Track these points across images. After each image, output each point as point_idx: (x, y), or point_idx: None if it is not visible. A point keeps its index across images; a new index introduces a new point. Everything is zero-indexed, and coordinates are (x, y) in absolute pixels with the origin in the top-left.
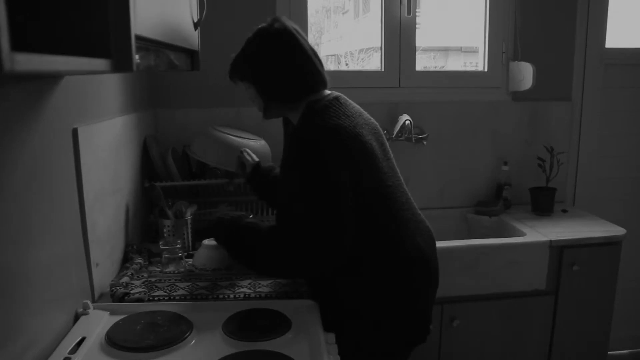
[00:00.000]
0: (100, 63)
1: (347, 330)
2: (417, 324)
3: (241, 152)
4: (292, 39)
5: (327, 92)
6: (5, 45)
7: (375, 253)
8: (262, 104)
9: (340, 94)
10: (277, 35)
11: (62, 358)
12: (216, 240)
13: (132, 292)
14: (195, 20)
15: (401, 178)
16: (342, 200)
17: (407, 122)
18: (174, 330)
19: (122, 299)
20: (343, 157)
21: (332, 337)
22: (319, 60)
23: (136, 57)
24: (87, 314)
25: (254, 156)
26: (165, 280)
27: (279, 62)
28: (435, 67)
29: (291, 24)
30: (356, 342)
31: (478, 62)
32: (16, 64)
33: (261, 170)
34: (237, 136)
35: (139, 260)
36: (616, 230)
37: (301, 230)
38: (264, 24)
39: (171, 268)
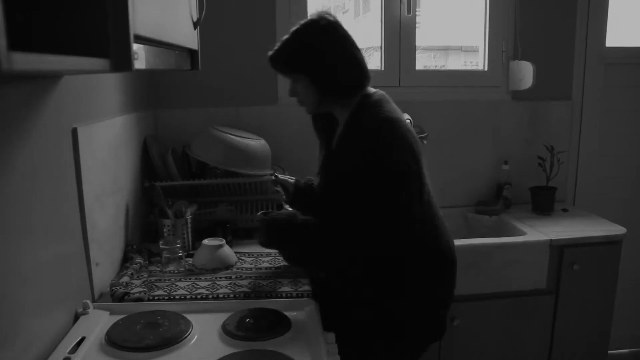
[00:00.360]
0: (98, 63)
1: (372, 331)
2: (441, 322)
3: (275, 176)
4: (343, 30)
5: (372, 88)
6: (3, 44)
7: (412, 251)
8: (316, 97)
9: (382, 91)
10: (334, 27)
11: (62, 358)
12: (266, 241)
13: (132, 291)
14: (195, 19)
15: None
16: (412, 187)
17: (407, 121)
18: (174, 330)
19: (122, 298)
20: (409, 148)
21: (332, 336)
22: None
23: (135, 56)
24: (86, 313)
25: (287, 176)
26: (165, 279)
27: (342, 54)
28: (436, 67)
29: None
30: (381, 342)
31: (478, 61)
32: (14, 63)
33: (302, 187)
34: (237, 136)
35: (138, 260)
36: (616, 230)
37: (372, 218)
38: (313, 16)
39: (171, 268)
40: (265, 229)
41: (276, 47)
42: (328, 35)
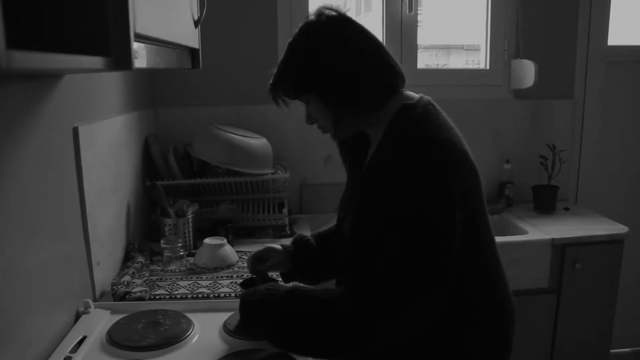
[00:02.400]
0: (99, 61)
1: None
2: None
3: (254, 272)
4: (355, 25)
5: (412, 93)
6: (2, 43)
7: (479, 298)
8: (331, 118)
9: (428, 97)
10: (340, 20)
11: (63, 357)
12: (251, 327)
13: (133, 291)
14: (196, 18)
15: None
16: (454, 241)
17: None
18: (175, 329)
19: (123, 297)
20: (459, 186)
21: None
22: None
23: (135, 55)
24: (88, 312)
25: (272, 250)
26: (166, 279)
27: (351, 57)
28: (437, 65)
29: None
30: None
31: (480, 60)
32: (13, 62)
33: (300, 256)
34: (238, 135)
35: (140, 259)
36: (619, 228)
37: (397, 280)
38: (310, 16)
39: (172, 267)
40: (247, 311)
41: (274, 69)
42: (331, 31)
